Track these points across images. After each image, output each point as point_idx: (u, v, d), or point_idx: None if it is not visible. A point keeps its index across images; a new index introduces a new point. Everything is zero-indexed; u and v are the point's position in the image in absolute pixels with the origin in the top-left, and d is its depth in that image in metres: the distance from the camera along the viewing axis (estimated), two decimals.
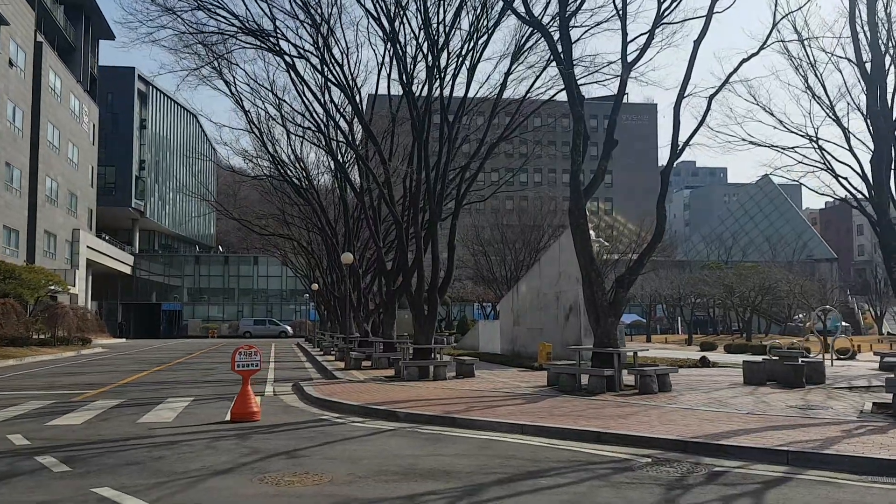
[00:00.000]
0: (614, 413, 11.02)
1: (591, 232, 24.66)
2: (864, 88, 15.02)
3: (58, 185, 54.36)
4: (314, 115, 23.43)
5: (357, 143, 24.95)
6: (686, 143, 14.50)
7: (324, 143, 23.47)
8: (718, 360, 24.09)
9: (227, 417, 11.11)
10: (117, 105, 78.31)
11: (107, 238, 71.40)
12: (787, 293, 48.18)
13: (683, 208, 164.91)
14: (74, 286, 50.81)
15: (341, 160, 26.84)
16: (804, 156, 23.06)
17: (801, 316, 61.37)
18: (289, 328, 74.51)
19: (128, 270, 78.21)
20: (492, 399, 13.08)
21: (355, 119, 21.85)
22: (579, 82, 15.65)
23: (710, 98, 15.01)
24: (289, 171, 29.85)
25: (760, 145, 22.84)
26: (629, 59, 15.10)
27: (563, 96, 25.45)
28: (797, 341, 30.72)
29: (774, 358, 16.63)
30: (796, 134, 22.54)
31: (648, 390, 13.60)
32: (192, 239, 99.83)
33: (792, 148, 22.85)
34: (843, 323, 58.94)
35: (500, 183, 28.13)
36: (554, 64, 16.43)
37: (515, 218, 59.19)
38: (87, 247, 60.73)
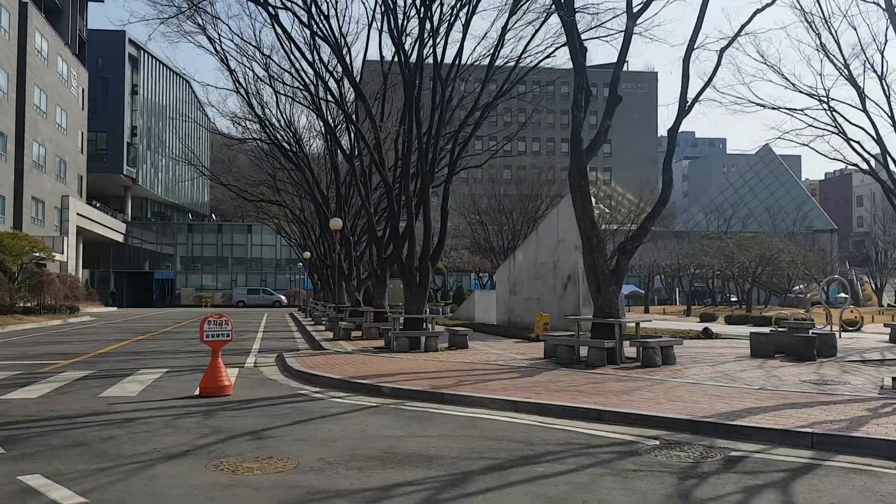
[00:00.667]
0: (616, 388, 10.18)
1: (593, 199, 23.74)
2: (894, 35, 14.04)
3: (45, 151, 53.13)
4: (302, 74, 22.31)
5: (348, 104, 23.90)
6: (695, 99, 13.50)
7: (312, 103, 22.33)
8: (720, 331, 23.27)
9: (197, 392, 10.26)
10: (107, 69, 76.62)
11: (97, 205, 70.30)
12: (789, 264, 47.38)
13: (682, 179, 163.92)
14: (63, 253, 49.88)
15: (331, 122, 25.77)
16: (814, 118, 22.23)
17: (800, 287, 60.74)
18: (283, 297, 73.75)
19: (120, 238, 77.19)
20: (484, 372, 12.24)
21: (345, 79, 20.75)
22: (581, 38, 14.60)
23: (721, 51, 14.02)
24: (279, 135, 28.74)
25: (769, 107, 21.89)
26: (634, 9, 14.06)
27: (563, 55, 24.38)
28: (803, 312, 29.97)
29: (783, 329, 15.81)
30: (807, 94, 21.65)
31: (651, 363, 12.76)
32: (185, 207, 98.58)
33: (801, 110, 22.01)
34: (843, 294, 58.36)
35: (496, 148, 27.07)
36: (555, 16, 15.35)
37: (513, 187, 58.20)
38: (77, 214, 59.64)
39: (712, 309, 47.89)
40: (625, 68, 15.35)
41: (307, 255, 40.24)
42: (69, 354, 17.13)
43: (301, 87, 22.13)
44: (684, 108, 13.32)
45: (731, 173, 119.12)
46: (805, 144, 23.00)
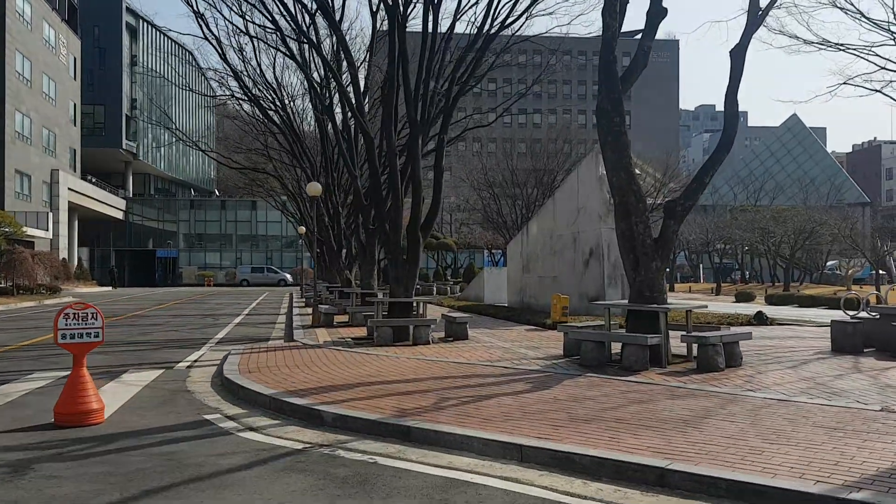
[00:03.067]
0: (675, 413, 6.77)
1: None
2: None
3: (31, 122, 49.99)
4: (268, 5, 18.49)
5: (325, 51, 20.38)
6: (771, 5, 9.94)
7: (283, 42, 18.60)
8: (770, 314, 19.73)
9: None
10: (104, 39, 73.29)
11: (93, 181, 67.20)
12: (833, 237, 43.47)
13: (703, 153, 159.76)
14: (48, 230, 46.88)
15: (317, 78, 22.23)
16: (888, 59, 18.48)
17: (835, 263, 56.87)
18: (288, 276, 70.67)
19: (120, 215, 74.30)
20: (482, 380, 8.86)
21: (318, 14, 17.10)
22: None
23: None
24: (256, 91, 25.24)
25: (833, 46, 18.17)
26: None
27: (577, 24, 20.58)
28: (846, 290, 26.33)
29: (873, 315, 12.32)
30: (877, 30, 17.89)
31: (712, 366, 9.33)
32: (190, 183, 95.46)
33: (870, 49, 18.29)
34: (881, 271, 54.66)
35: (508, 103, 23.47)
36: None
37: (528, 161, 54.20)
38: (69, 189, 56.57)
39: (745, 286, 44.19)
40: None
41: (302, 229, 36.87)
42: None
43: (269, 20, 18.32)
44: (756, 17, 9.76)
45: (756, 145, 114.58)
46: (877, 90, 19.29)
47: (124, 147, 74.64)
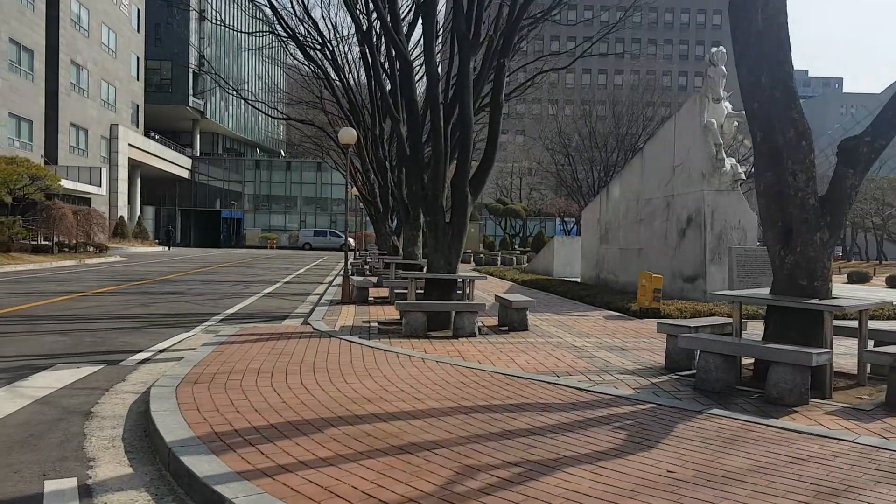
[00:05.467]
0: None
1: (727, 104, 16.30)
2: None
3: (88, 73, 48.36)
4: None
5: None
6: None
7: None
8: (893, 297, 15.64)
9: None
10: None
11: (157, 138, 65.82)
12: None
13: None
14: (101, 186, 45.27)
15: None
16: None
17: None
18: (352, 240, 68.34)
19: (185, 174, 73.10)
20: (538, 419, 5.52)
21: None
22: None
23: None
24: (304, 32, 22.23)
25: None
26: None
27: None
28: None
29: None
30: None
31: None
32: (258, 143, 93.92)
33: None
34: None
35: (596, 35, 19.67)
36: None
37: (610, 122, 49.67)
38: (130, 145, 55.16)
39: (848, 263, 39.27)
40: None
41: (354, 191, 33.94)
42: None
43: None
44: None
45: (855, 112, 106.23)
46: None
47: (191, 105, 73.17)
